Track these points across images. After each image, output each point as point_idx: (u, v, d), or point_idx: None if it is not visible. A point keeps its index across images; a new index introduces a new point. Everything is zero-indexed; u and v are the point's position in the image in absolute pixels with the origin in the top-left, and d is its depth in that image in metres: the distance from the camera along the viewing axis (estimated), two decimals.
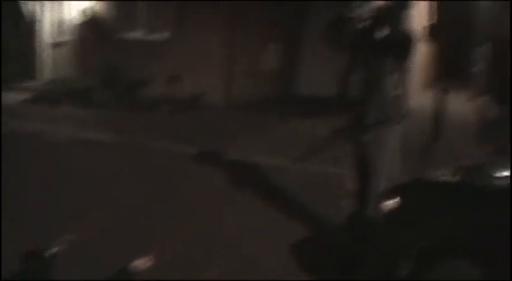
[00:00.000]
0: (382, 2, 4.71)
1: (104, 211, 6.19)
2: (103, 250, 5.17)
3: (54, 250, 3.86)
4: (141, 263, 3.84)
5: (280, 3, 15.80)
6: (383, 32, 4.75)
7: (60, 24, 16.40)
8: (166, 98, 13.80)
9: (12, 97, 13.99)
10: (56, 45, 16.34)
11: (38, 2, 16.28)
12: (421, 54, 12.90)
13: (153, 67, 14.42)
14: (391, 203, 4.31)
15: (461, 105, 15.05)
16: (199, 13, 14.28)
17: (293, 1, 15.99)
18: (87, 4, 15.64)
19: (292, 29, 16.77)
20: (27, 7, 16.29)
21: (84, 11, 15.66)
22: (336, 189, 5.84)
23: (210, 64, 14.09)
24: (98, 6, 15.65)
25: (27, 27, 16.40)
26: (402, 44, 4.85)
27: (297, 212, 6.37)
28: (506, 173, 4.42)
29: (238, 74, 14.42)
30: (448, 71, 15.53)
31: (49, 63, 16.16)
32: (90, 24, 15.63)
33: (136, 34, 15.23)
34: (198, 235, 5.64)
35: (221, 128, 11.83)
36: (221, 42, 14.23)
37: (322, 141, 10.26)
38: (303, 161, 8.91)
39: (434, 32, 14.22)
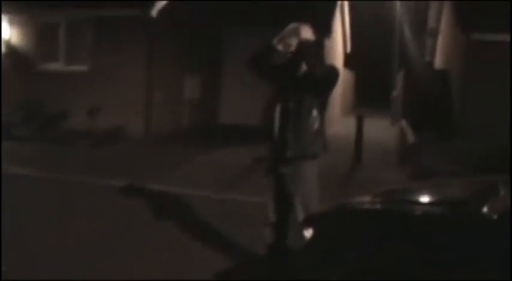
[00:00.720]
0: (307, 35, 4.76)
1: (27, 246, 6.02)
2: None
3: None
4: None
5: (198, 34, 15.92)
6: (305, 66, 4.80)
7: None
8: (87, 130, 13.60)
9: None
10: None
11: None
12: (340, 82, 13.25)
13: (73, 99, 14.24)
14: (309, 232, 4.36)
15: (381, 130, 15.44)
16: (118, 44, 14.22)
17: (211, 31, 16.11)
18: (5, 36, 15.32)
19: (212, 59, 16.90)
20: None
21: (2, 43, 15.34)
22: (257, 218, 5.87)
23: (130, 95, 14.02)
24: (15, 38, 15.36)
25: None
26: (324, 79, 4.88)
27: (219, 242, 6.37)
28: (425, 199, 4.53)
29: (158, 105, 14.40)
30: (367, 98, 15.99)
31: None
32: (9, 57, 15.31)
33: (56, 66, 15.00)
34: (122, 267, 5.56)
35: (143, 159, 11.75)
36: (141, 73, 14.18)
37: (244, 171, 10.32)
38: (224, 190, 8.93)
39: (352, 60, 14.61)
